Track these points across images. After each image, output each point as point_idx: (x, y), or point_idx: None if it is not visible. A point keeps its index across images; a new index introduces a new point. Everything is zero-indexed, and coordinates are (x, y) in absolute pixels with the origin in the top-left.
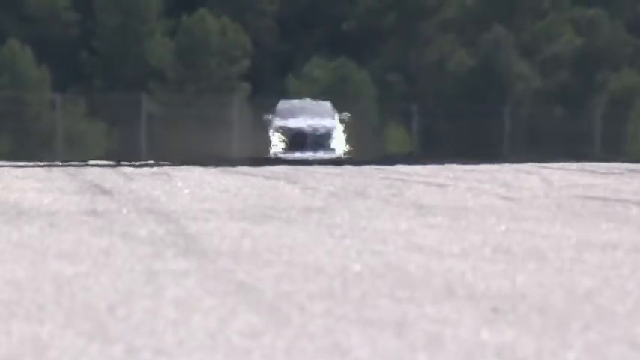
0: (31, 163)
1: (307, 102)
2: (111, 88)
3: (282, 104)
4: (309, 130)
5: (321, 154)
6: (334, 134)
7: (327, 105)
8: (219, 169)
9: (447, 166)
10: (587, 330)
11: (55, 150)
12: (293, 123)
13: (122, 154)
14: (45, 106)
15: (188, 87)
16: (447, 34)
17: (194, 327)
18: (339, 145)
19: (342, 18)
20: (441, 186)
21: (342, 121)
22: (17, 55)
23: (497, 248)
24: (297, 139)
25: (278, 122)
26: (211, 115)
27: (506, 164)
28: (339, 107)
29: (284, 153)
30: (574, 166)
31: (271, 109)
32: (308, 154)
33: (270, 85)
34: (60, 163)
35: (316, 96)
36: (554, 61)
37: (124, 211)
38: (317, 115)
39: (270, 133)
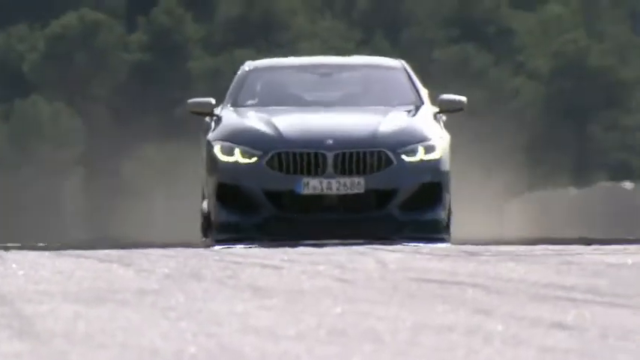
0: None
1: (334, 60)
2: None
3: (252, 69)
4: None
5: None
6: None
7: (399, 68)
8: (53, 252)
9: (281, 248)
10: None
11: None
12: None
13: None
14: None
15: (22, 170)
16: None
17: None
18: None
19: (174, 103)
20: (276, 268)
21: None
22: None
23: (332, 330)
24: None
25: (232, 122)
26: (45, 198)
27: (340, 246)
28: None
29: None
30: (409, 247)
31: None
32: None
33: (104, 169)
34: None
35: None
36: None
37: None
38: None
39: (204, 155)
